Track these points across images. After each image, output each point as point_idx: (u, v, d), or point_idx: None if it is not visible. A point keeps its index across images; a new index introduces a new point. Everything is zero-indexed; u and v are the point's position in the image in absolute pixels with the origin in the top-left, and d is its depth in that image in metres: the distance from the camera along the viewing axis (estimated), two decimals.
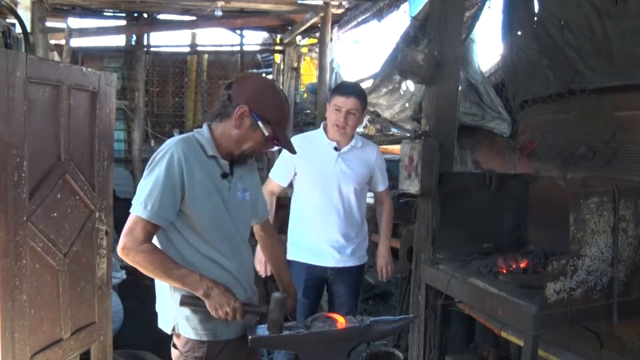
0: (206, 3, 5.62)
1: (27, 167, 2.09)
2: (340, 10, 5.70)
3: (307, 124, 6.88)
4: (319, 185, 2.64)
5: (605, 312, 2.01)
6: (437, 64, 2.64)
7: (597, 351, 2.41)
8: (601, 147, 2.57)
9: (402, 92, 4.04)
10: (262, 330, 1.68)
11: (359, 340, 1.79)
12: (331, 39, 5.74)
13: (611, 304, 2.00)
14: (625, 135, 2.48)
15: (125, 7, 6.22)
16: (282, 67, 7.09)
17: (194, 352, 1.69)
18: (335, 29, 5.98)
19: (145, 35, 6.82)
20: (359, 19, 5.53)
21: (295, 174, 2.73)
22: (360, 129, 4.90)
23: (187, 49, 7.22)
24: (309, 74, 7.29)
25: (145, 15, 6.48)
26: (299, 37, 6.86)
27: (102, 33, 6.56)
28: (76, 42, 6.28)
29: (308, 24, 5.92)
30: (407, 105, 3.99)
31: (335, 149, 2.66)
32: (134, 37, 6.79)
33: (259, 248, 2.37)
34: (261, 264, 2.62)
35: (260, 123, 1.69)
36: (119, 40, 6.87)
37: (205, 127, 1.77)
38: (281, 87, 6.66)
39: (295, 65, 7.04)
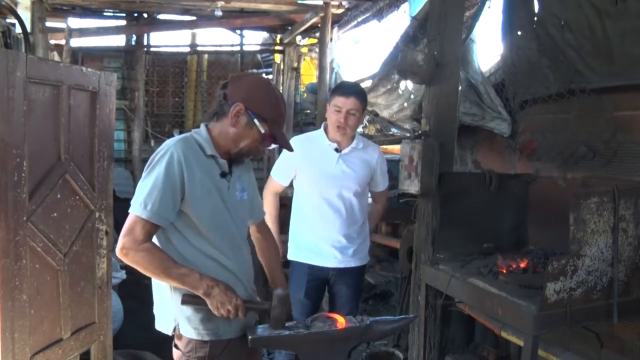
0: (206, 3, 5.63)
1: (27, 167, 2.09)
2: (340, 10, 5.70)
3: (307, 124, 6.88)
4: (320, 186, 2.63)
5: (605, 312, 2.01)
6: (437, 64, 2.64)
7: (597, 351, 2.41)
8: (601, 147, 2.57)
9: (400, 92, 4.04)
10: (262, 330, 1.68)
11: (359, 340, 1.79)
12: (331, 39, 5.74)
13: (611, 304, 2.00)
14: (625, 135, 2.48)
15: (125, 7, 6.22)
16: (282, 67, 7.09)
17: (196, 352, 1.69)
18: (335, 29, 5.98)
19: (145, 35, 6.82)
20: (359, 19, 5.53)
21: (295, 174, 2.73)
22: (360, 129, 4.90)
23: (187, 49, 7.22)
24: (309, 74, 7.29)
25: (145, 15, 6.48)
26: (299, 37, 6.86)
27: (102, 33, 6.56)
28: (76, 42, 6.28)
29: (308, 24, 5.93)
30: (405, 104, 3.98)
31: (336, 150, 2.65)
32: (134, 37, 6.79)
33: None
34: None
35: (256, 121, 1.69)
36: (119, 40, 6.87)
37: (202, 127, 1.77)
38: (281, 87, 6.67)
39: (295, 65, 7.04)
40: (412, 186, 2.60)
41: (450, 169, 2.75)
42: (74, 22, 6.33)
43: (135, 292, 3.48)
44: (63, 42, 6.14)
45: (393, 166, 3.76)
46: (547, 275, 1.87)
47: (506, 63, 3.16)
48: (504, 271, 2.27)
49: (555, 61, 2.75)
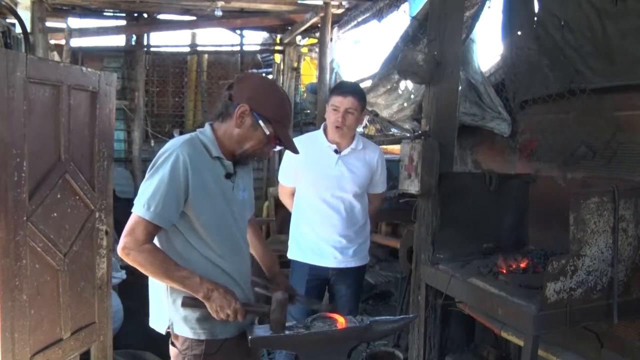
0: (206, 3, 5.62)
1: (27, 167, 2.09)
2: (340, 10, 5.70)
3: (307, 124, 6.88)
4: (319, 188, 2.63)
5: (605, 312, 2.01)
6: (437, 64, 2.64)
7: (597, 351, 2.41)
8: (601, 147, 2.57)
9: (400, 92, 4.04)
10: (262, 330, 1.69)
11: (359, 340, 1.79)
12: (331, 39, 5.74)
13: (611, 304, 2.00)
14: (625, 135, 2.48)
15: (125, 7, 6.21)
16: (282, 67, 7.08)
17: (192, 350, 1.70)
18: (335, 29, 5.98)
19: (145, 35, 6.81)
20: (359, 19, 5.53)
21: (296, 175, 2.73)
22: (360, 129, 4.90)
23: (187, 49, 7.21)
24: (309, 74, 7.28)
25: (145, 15, 6.48)
26: (299, 37, 6.86)
27: (102, 33, 6.56)
28: (76, 42, 6.27)
29: (308, 24, 5.92)
30: (405, 104, 3.99)
31: (336, 151, 2.64)
32: (134, 37, 6.78)
33: None
34: None
35: (261, 122, 1.68)
36: (119, 40, 6.86)
37: (207, 127, 1.76)
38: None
39: (295, 65, 7.04)
40: (412, 186, 2.60)
41: (450, 169, 2.75)
42: (74, 22, 6.32)
43: (135, 292, 3.47)
44: (63, 42, 6.14)
45: (393, 166, 3.77)
46: (547, 275, 1.88)
47: (506, 63, 3.16)
48: (504, 271, 2.27)
49: (555, 61, 2.75)
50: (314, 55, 6.88)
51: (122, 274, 3.54)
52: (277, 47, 7.22)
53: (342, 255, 2.65)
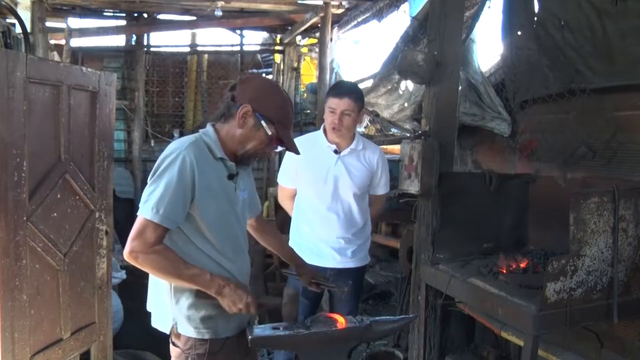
0: (206, 3, 5.63)
1: (27, 167, 2.09)
2: (340, 10, 5.70)
3: (307, 124, 6.88)
4: (318, 188, 2.62)
5: (605, 312, 2.01)
6: (437, 64, 2.64)
7: (597, 351, 2.41)
8: (601, 147, 2.57)
9: (400, 92, 4.04)
10: (262, 329, 1.69)
11: (359, 340, 1.79)
12: (331, 39, 5.74)
13: (611, 304, 2.00)
14: (625, 135, 2.48)
15: (125, 7, 6.22)
16: (282, 67, 7.09)
17: (195, 350, 1.70)
18: (335, 29, 5.98)
19: (145, 35, 6.82)
20: (359, 19, 5.53)
21: (296, 176, 2.72)
22: (360, 129, 4.90)
23: (187, 49, 7.22)
24: (309, 74, 7.29)
25: (145, 15, 6.49)
26: (299, 37, 6.86)
27: (102, 33, 6.56)
28: (76, 42, 6.28)
29: (308, 24, 5.93)
30: (405, 105, 3.99)
31: (335, 152, 2.64)
32: (134, 37, 6.79)
33: None
34: None
35: (263, 122, 1.69)
36: (119, 40, 6.86)
37: (209, 127, 1.77)
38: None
39: (295, 65, 7.04)
40: (412, 186, 2.60)
41: (450, 169, 2.74)
42: (74, 22, 6.33)
43: (135, 292, 3.47)
44: (63, 42, 6.14)
45: (393, 166, 3.77)
46: (547, 275, 1.88)
47: (506, 63, 3.16)
48: (504, 271, 2.27)
49: (555, 61, 2.75)
50: (314, 55, 6.89)
51: (122, 274, 3.54)
52: (277, 47, 7.23)
53: (341, 255, 2.64)
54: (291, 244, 2.76)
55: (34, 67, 2.10)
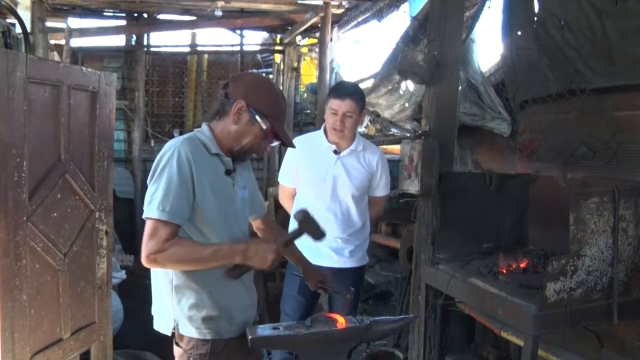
0: (206, 3, 5.62)
1: (27, 167, 2.09)
2: (340, 10, 5.70)
3: (307, 124, 6.88)
4: (317, 188, 2.62)
5: (605, 312, 2.01)
6: (437, 64, 2.64)
7: (597, 351, 2.41)
8: (601, 147, 2.57)
9: (401, 92, 4.04)
10: (262, 330, 1.69)
11: (359, 340, 1.79)
12: (331, 39, 5.74)
13: (611, 304, 2.00)
14: (625, 135, 2.48)
15: (125, 7, 6.21)
16: (282, 67, 7.08)
17: (197, 350, 1.70)
18: (335, 29, 5.97)
19: (145, 35, 6.81)
20: (359, 19, 5.53)
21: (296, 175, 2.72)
22: (361, 129, 4.89)
23: (187, 49, 7.21)
24: (309, 74, 7.28)
25: (145, 15, 6.48)
26: (299, 37, 6.85)
27: (102, 33, 6.56)
28: (76, 42, 6.27)
29: (308, 24, 5.92)
30: (406, 105, 3.99)
31: (335, 152, 2.64)
32: (134, 37, 6.78)
33: None
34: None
35: (257, 117, 1.70)
36: (119, 40, 6.85)
37: (204, 126, 1.78)
38: (281, 87, 6.67)
39: (295, 65, 7.03)
40: (412, 186, 2.60)
41: (450, 169, 2.74)
42: (74, 22, 6.31)
43: (135, 292, 3.48)
44: (63, 42, 6.14)
45: (393, 166, 3.77)
46: (547, 275, 1.88)
47: (506, 63, 3.16)
48: (504, 271, 2.27)
49: (555, 61, 2.75)
50: (314, 55, 6.88)
51: (122, 274, 3.54)
52: (277, 47, 7.22)
53: (338, 255, 2.64)
54: None
55: (34, 67, 2.10)
